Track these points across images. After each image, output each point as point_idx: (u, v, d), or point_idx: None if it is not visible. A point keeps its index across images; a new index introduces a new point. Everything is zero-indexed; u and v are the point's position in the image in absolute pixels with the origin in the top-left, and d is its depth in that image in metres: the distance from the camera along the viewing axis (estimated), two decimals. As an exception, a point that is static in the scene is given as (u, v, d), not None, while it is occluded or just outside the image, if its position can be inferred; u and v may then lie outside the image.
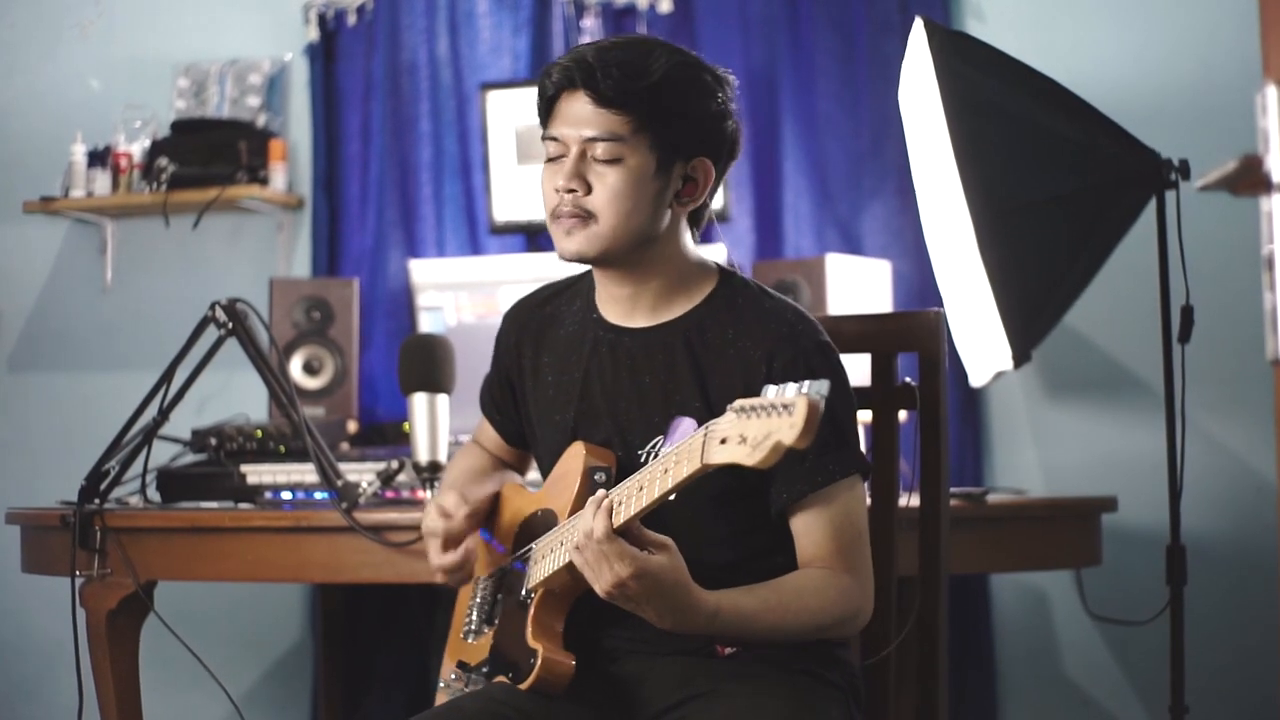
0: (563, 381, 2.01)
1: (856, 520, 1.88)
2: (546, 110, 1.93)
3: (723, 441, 1.56)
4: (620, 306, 1.98)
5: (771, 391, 1.53)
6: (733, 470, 1.57)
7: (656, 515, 1.73)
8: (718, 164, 1.94)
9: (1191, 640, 2.75)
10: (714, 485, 1.82)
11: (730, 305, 1.94)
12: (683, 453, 1.64)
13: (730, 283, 1.97)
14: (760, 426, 1.51)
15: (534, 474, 2.25)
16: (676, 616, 1.74)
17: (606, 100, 1.86)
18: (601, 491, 1.76)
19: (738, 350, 1.90)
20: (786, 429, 1.48)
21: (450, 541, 2.00)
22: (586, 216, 1.88)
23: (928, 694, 2.13)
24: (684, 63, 1.90)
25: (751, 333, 1.90)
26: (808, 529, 1.87)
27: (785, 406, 1.49)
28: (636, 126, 1.86)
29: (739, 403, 1.55)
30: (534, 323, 2.08)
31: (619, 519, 1.71)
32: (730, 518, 1.90)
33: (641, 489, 1.70)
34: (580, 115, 1.88)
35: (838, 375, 1.90)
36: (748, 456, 1.52)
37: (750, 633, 1.82)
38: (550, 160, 1.92)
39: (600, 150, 1.87)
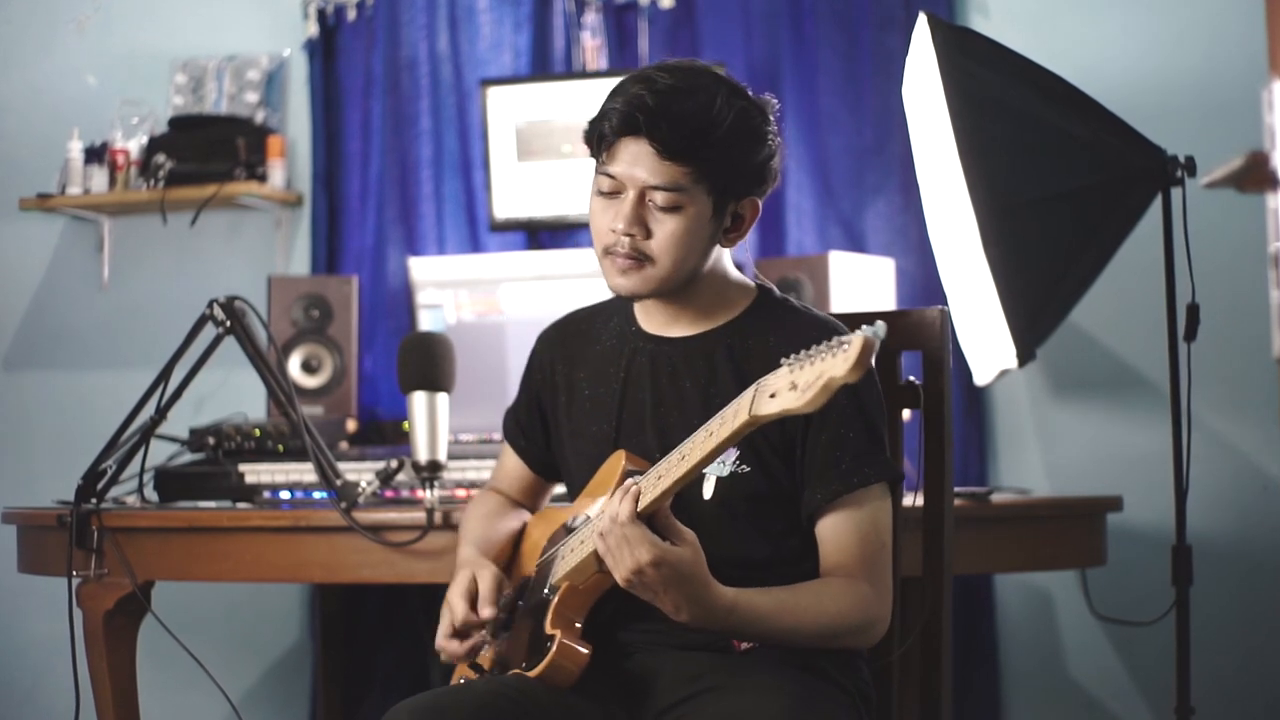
0: (600, 394, 2.02)
1: (882, 531, 1.90)
2: (603, 146, 1.92)
3: (772, 396, 1.56)
4: (661, 319, 2.01)
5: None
6: (781, 423, 1.56)
7: (689, 516, 1.74)
8: (762, 198, 1.98)
9: (1197, 641, 2.74)
10: (751, 486, 1.85)
11: (771, 316, 1.97)
12: (728, 413, 1.64)
13: (769, 297, 2.01)
14: (812, 370, 1.51)
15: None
16: (693, 608, 1.75)
17: (671, 152, 1.86)
18: (630, 479, 1.76)
19: (779, 356, 1.89)
20: (840, 364, 1.47)
21: (462, 632, 1.99)
22: (643, 259, 1.90)
23: (931, 694, 2.12)
24: (743, 110, 1.90)
25: (792, 340, 1.90)
26: (834, 534, 1.88)
27: (841, 344, 1.48)
28: (697, 177, 1.88)
29: (792, 356, 1.55)
30: (568, 341, 2.10)
31: (655, 492, 1.71)
32: (763, 519, 1.91)
33: (684, 457, 1.70)
34: (642, 162, 1.88)
35: (872, 388, 1.93)
36: (796, 400, 1.51)
37: (764, 632, 1.84)
38: (604, 194, 1.92)
39: (660, 199, 1.88)
